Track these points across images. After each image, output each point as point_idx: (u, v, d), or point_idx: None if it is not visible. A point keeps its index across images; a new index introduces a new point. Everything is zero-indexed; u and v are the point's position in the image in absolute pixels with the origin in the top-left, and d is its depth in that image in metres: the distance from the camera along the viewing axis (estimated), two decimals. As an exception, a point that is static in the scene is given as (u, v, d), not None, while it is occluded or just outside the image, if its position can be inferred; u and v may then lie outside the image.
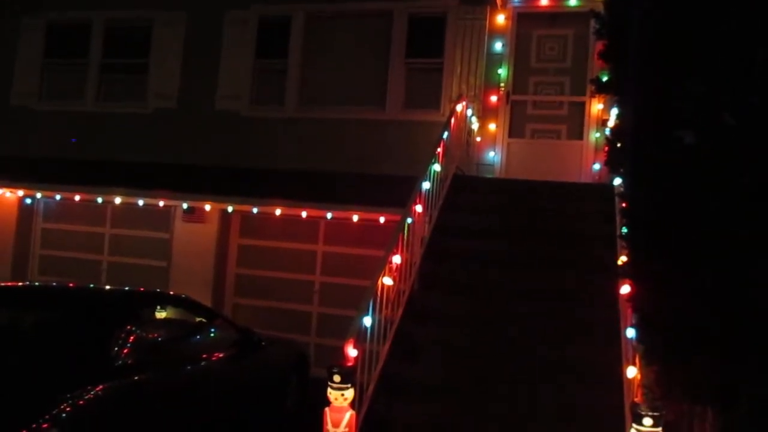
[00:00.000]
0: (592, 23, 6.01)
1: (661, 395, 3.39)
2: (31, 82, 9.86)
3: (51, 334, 4.38)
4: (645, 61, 3.40)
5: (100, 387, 3.80)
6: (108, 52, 9.63)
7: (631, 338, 3.89)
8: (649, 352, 3.51)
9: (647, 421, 3.17)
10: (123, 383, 4.04)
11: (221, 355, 5.26)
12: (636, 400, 3.47)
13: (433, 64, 8.38)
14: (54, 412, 3.47)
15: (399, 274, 4.93)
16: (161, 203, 8.80)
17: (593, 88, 6.48)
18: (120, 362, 4.16)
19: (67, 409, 3.54)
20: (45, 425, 3.38)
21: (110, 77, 9.69)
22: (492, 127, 8.28)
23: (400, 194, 5.67)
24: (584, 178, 7.84)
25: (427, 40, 8.41)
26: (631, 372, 3.78)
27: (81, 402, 3.64)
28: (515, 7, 8.40)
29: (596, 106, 7.98)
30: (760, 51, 2.77)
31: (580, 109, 8.15)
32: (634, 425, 3.23)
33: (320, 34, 8.82)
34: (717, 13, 2.94)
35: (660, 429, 3.19)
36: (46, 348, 4.11)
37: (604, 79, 5.69)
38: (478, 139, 8.19)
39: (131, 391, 4.09)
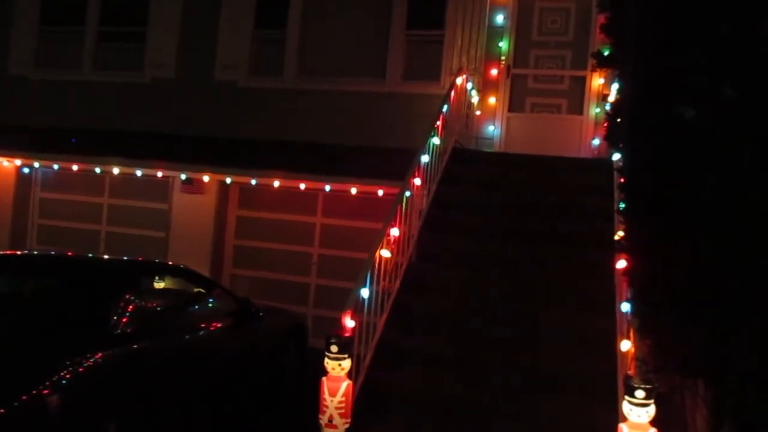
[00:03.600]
0: (595, -4, 5.94)
1: (654, 368, 3.42)
2: (28, 51, 9.75)
3: (51, 302, 4.41)
4: (645, 33, 3.37)
5: (100, 355, 3.84)
6: (105, 20, 9.50)
7: (626, 312, 3.93)
8: (643, 325, 3.55)
9: (640, 393, 3.20)
10: (122, 351, 4.08)
11: (219, 325, 5.29)
12: (629, 372, 3.51)
13: (433, 36, 8.29)
14: (54, 378, 3.51)
15: (397, 246, 4.95)
16: (159, 174, 8.78)
17: (594, 62, 6.42)
18: (119, 331, 4.20)
19: (67, 375, 3.58)
20: (45, 391, 3.42)
21: (107, 46, 9.58)
22: (492, 100, 8.24)
23: (398, 167, 5.66)
24: (584, 153, 7.82)
25: (428, 11, 8.30)
26: (626, 345, 3.82)
27: (81, 369, 3.67)
28: (517, -21, 8.30)
29: (597, 81, 7.92)
30: (763, 21, 2.74)
31: (581, 83, 8.10)
32: (626, 397, 3.27)
33: (320, 4, 8.71)
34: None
35: (652, 401, 3.23)
36: (46, 316, 4.15)
37: (606, 53, 5.63)
38: (478, 112, 8.15)
39: (130, 359, 4.13)
